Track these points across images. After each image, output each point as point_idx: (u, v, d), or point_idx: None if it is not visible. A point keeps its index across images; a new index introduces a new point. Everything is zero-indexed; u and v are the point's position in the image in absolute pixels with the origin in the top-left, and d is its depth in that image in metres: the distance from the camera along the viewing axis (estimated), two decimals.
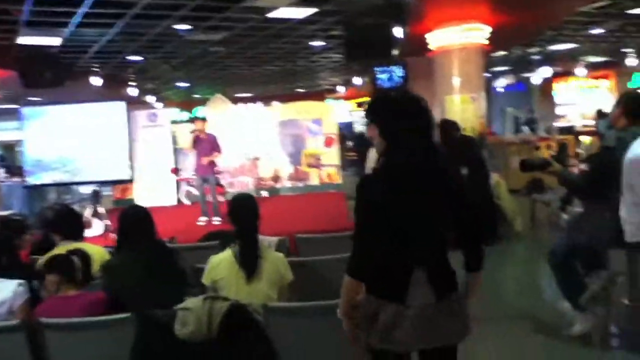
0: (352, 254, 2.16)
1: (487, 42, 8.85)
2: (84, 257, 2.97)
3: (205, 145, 8.70)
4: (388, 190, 2.09)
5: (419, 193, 2.10)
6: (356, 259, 2.14)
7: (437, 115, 9.26)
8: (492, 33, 8.78)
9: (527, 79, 20.74)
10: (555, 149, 11.49)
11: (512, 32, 9.83)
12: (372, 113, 2.25)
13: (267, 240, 3.66)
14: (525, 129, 18.94)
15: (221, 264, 3.03)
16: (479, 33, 8.63)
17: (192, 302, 2.54)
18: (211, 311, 2.49)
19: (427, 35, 8.84)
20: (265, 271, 3.00)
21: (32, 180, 10.45)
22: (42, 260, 3.50)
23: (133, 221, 3.13)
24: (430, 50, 9.21)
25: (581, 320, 3.77)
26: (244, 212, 3.13)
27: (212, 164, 8.84)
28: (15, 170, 14.39)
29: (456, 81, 8.66)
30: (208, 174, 8.79)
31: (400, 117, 2.16)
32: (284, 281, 3.08)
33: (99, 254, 3.67)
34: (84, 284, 2.92)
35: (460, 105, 8.79)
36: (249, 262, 2.98)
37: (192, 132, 8.85)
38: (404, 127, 2.13)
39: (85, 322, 2.74)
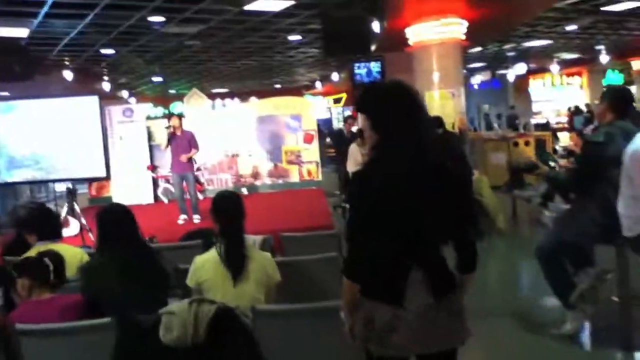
0: (347, 254, 2.07)
1: (464, 37, 8.85)
2: (56, 258, 2.81)
3: (182, 142, 8.50)
4: (381, 185, 1.98)
5: (414, 188, 1.99)
6: (351, 259, 2.05)
7: None
8: (469, 28, 8.78)
9: (503, 75, 20.97)
10: (533, 145, 11.55)
11: (489, 26, 9.87)
12: (364, 104, 2.14)
13: (251, 239, 3.54)
14: (496, 125, 19.19)
15: (206, 265, 2.90)
16: (456, 27, 8.63)
17: (176, 306, 2.41)
18: (197, 315, 2.37)
19: (406, 30, 8.79)
20: (252, 272, 2.88)
21: (4, 177, 10.13)
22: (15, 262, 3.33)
23: (112, 220, 2.97)
24: (408, 45, 9.17)
25: (571, 319, 3.74)
26: (228, 209, 3.01)
27: (190, 161, 8.64)
28: None
29: (435, 76, 8.64)
30: (186, 171, 8.60)
31: (393, 108, 2.06)
32: (272, 282, 2.96)
33: (76, 254, 3.51)
34: (58, 286, 2.77)
35: (440, 101, 8.77)
36: (235, 262, 2.86)
37: (167, 127, 8.63)
38: (397, 119, 2.03)
39: (62, 327, 2.59)
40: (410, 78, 9.82)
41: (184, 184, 8.75)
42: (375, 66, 11.48)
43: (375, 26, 9.02)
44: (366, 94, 2.20)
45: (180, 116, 8.92)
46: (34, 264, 2.74)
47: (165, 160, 11.75)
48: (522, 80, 22.00)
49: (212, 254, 2.93)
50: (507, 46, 15.35)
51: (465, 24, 8.60)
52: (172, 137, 8.46)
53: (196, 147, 8.60)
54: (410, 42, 8.90)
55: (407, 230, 2.00)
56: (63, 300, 2.69)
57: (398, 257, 2.01)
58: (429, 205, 2.01)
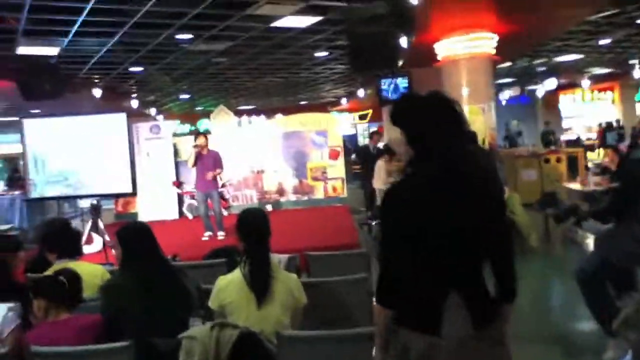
0: (379, 278, 1.91)
1: (494, 51, 8.66)
2: (72, 276, 2.71)
3: (208, 161, 8.49)
4: (414, 202, 1.84)
5: (450, 206, 1.83)
6: (382, 282, 1.90)
7: None
8: (499, 42, 8.60)
9: (532, 91, 20.59)
10: (565, 162, 11.25)
11: (520, 41, 9.66)
12: (399, 116, 1.98)
13: (276, 258, 3.41)
14: (521, 141, 18.81)
15: (229, 286, 2.77)
16: (487, 42, 8.44)
17: (198, 330, 2.30)
18: (219, 340, 2.26)
19: (434, 45, 8.65)
20: (277, 293, 2.75)
21: (42, 192, 10.27)
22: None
23: (132, 238, 2.88)
24: (436, 60, 9.01)
25: (613, 346, 3.51)
26: (254, 228, 2.88)
27: (215, 179, 8.61)
28: (16, 183, 14.21)
29: (465, 92, 8.45)
30: (211, 189, 8.56)
31: (430, 120, 1.91)
32: (298, 304, 2.82)
33: (96, 273, 3.43)
34: (74, 305, 2.67)
35: (470, 117, 8.55)
36: (260, 283, 2.73)
37: (195, 147, 8.62)
38: (434, 132, 1.88)
39: (78, 350, 2.49)
40: None
41: (209, 201, 8.72)
42: (402, 82, 11.32)
43: (403, 41, 8.90)
44: (401, 106, 2.05)
45: (206, 135, 8.90)
46: (48, 284, 2.65)
47: (190, 176, 11.77)
48: (551, 96, 21.56)
49: (236, 275, 2.81)
50: (537, 61, 15.06)
51: (496, 38, 8.42)
52: (198, 156, 8.45)
53: (221, 166, 8.58)
54: (438, 57, 8.75)
55: (443, 251, 1.83)
56: (80, 321, 2.60)
57: (434, 281, 1.85)
58: (465, 223, 1.84)
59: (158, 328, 2.63)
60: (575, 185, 7.95)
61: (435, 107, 1.95)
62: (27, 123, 10.85)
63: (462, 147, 1.92)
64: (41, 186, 10.13)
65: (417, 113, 1.96)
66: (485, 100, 8.72)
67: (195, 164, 8.49)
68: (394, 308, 1.89)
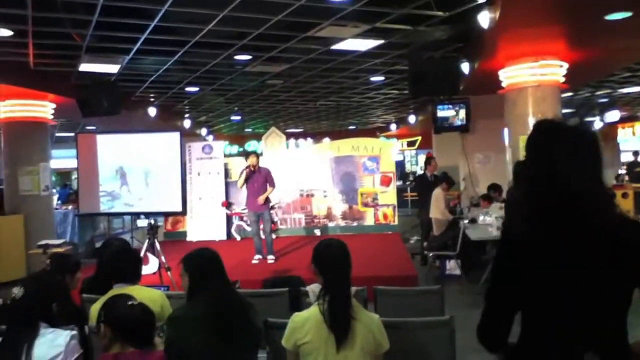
0: (483, 314, 1.71)
1: (563, 79, 8.26)
2: (146, 316, 2.45)
3: (259, 179, 8.35)
4: (525, 243, 1.62)
5: (580, 245, 1.56)
6: (486, 322, 1.70)
7: (508, 157, 8.68)
8: (568, 70, 8.20)
9: (590, 123, 19.85)
10: (632, 197, 10.64)
11: (589, 70, 9.23)
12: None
13: None
14: None
15: (306, 325, 2.50)
16: (556, 70, 8.06)
17: None
18: None
19: (499, 72, 8.31)
20: (358, 336, 2.46)
21: (84, 208, 10.36)
22: (95, 305, 3.09)
23: (202, 268, 2.65)
24: (498, 88, 8.67)
25: None
26: (335, 261, 2.61)
27: (267, 199, 8.46)
28: (69, 197, 14.46)
29: (531, 121, 8.05)
30: (262, 210, 8.40)
31: (538, 150, 1.70)
32: (380, 350, 2.53)
33: (155, 299, 3.23)
34: (142, 346, 2.42)
35: None
36: (341, 324, 2.45)
37: (246, 168, 8.51)
38: (542, 164, 1.67)
39: None
40: (498, 122, 9.30)
41: (260, 222, 8.57)
42: (459, 108, 11.00)
43: (465, 67, 8.62)
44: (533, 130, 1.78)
45: (257, 155, 8.78)
46: (119, 318, 2.41)
47: (240, 197, 11.68)
48: (610, 128, 20.76)
49: (313, 312, 2.53)
50: (600, 92, 14.47)
51: (566, 66, 8.03)
52: (249, 176, 8.34)
53: (272, 184, 8.43)
54: (503, 84, 8.40)
55: (577, 296, 1.56)
56: (145, 358, 2.36)
57: (561, 334, 1.57)
58: (607, 265, 1.56)
59: None
60: None
61: (545, 135, 1.72)
62: (82, 139, 11.02)
63: (580, 184, 1.64)
64: (92, 201, 10.21)
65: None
66: None
67: (245, 183, 8.37)
68: (498, 350, 1.69)
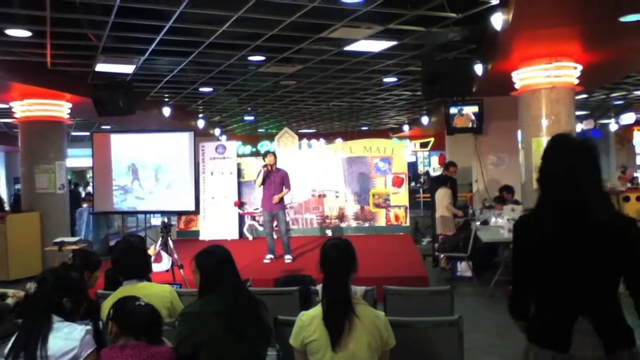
0: (511, 295, 2.18)
1: (577, 81, 8.21)
2: (152, 315, 2.52)
3: (275, 180, 8.40)
4: (535, 238, 2.08)
5: (573, 246, 2.01)
6: (514, 302, 2.18)
7: (521, 159, 8.64)
8: (583, 72, 8.15)
9: (605, 125, 19.67)
10: None
11: (604, 71, 9.17)
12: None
13: (353, 289, 3.17)
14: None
15: (313, 323, 2.54)
16: (570, 71, 8.01)
17: None
18: None
19: (512, 73, 8.28)
20: (363, 333, 2.49)
21: (99, 206, 10.51)
22: (106, 301, 3.17)
23: (214, 266, 2.70)
24: (513, 89, 8.64)
25: None
26: (334, 261, 2.62)
27: (282, 199, 8.51)
28: (84, 196, 14.63)
29: (544, 122, 8.01)
30: (277, 209, 8.44)
31: (552, 161, 2.15)
32: (386, 347, 2.56)
33: (164, 294, 3.30)
34: (150, 343, 2.48)
35: None
36: (334, 325, 2.48)
37: (264, 167, 8.54)
38: (555, 174, 2.11)
39: None
40: (511, 123, 9.26)
41: (275, 222, 8.62)
42: (472, 110, 10.96)
43: (478, 69, 8.60)
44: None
45: (275, 154, 8.81)
46: (125, 316, 2.48)
47: (252, 197, 11.74)
48: (625, 131, 20.58)
49: (318, 311, 2.56)
50: (615, 94, 14.35)
51: (580, 67, 7.98)
52: (267, 175, 8.37)
53: (288, 186, 8.47)
54: (516, 85, 8.36)
55: (567, 281, 2.02)
56: (148, 351, 2.41)
57: (563, 305, 2.03)
58: (600, 254, 2.00)
59: None
60: None
61: (559, 148, 2.17)
62: (97, 138, 11.17)
63: (584, 190, 2.04)
64: (107, 199, 10.37)
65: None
66: (567, 132, 8.23)
67: (263, 182, 8.41)
68: (524, 320, 2.15)
